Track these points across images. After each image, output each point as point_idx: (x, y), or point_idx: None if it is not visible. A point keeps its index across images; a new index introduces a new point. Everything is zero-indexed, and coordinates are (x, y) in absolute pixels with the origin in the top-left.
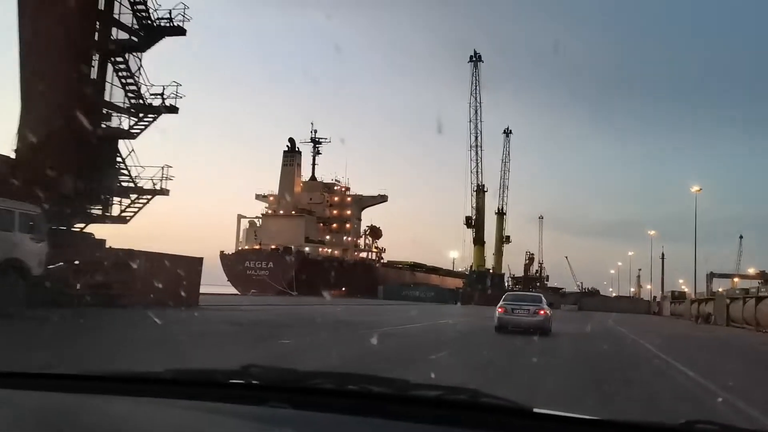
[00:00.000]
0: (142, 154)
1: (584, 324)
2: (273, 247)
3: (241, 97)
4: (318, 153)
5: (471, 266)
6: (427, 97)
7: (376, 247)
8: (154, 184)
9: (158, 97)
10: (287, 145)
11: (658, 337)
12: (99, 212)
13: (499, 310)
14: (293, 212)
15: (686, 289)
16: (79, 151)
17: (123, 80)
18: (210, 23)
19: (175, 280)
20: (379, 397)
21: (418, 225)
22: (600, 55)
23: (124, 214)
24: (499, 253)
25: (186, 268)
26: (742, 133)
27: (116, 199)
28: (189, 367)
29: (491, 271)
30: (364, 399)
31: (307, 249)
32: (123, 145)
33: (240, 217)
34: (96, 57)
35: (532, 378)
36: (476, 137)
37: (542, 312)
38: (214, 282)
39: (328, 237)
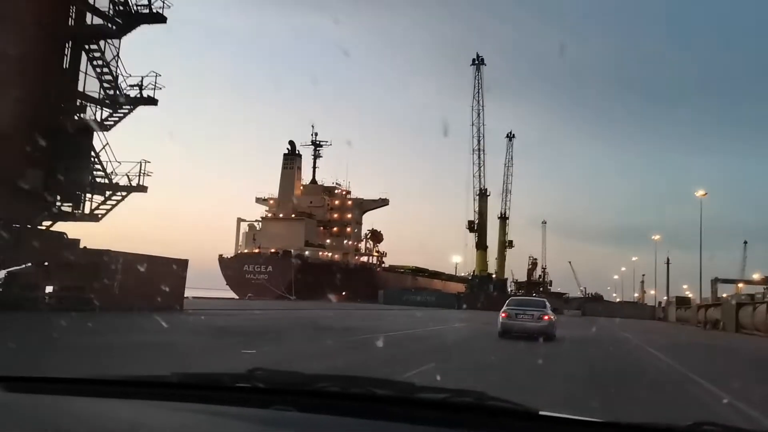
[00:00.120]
0: (143, 156)
1: (589, 329)
2: (272, 250)
3: (242, 99)
4: (319, 156)
5: (473, 271)
6: (429, 100)
7: (377, 251)
8: (129, 180)
9: (136, 87)
10: (287, 148)
11: (668, 343)
12: (69, 209)
13: (503, 315)
14: (293, 216)
15: (690, 295)
16: (48, 143)
17: (98, 69)
18: (210, 24)
19: (156, 283)
20: (383, 400)
21: (420, 229)
22: (604, 60)
23: (96, 212)
24: (501, 258)
25: (169, 271)
26: (746, 138)
27: (88, 196)
28: (195, 371)
29: (494, 275)
30: (368, 402)
31: (307, 253)
32: (97, 138)
33: (240, 220)
34: (69, 44)
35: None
36: (479, 140)
37: (546, 317)
38: (214, 286)
39: (328, 241)
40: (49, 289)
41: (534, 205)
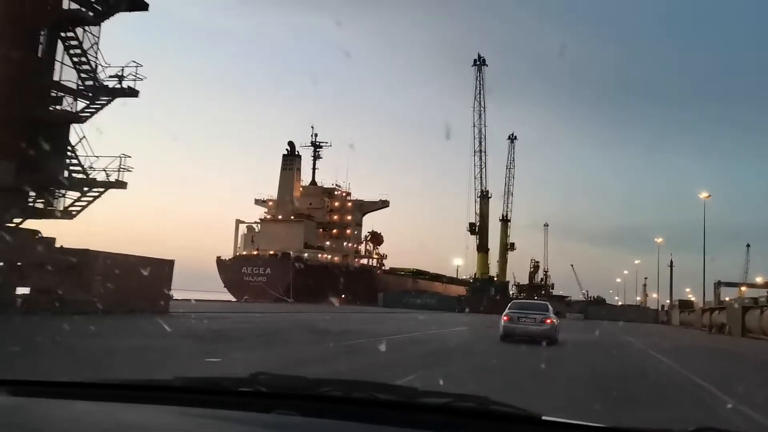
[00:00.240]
0: (144, 156)
1: (592, 333)
2: (271, 253)
3: (242, 100)
4: (318, 157)
5: (475, 274)
6: (430, 101)
7: (377, 254)
8: (107, 176)
9: (116, 78)
10: (287, 149)
11: (678, 349)
12: (42, 206)
13: (504, 318)
14: (292, 217)
15: (693, 298)
16: (20, 135)
17: (75, 58)
18: (209, 24)
19: (140, 285)
20: (386, 405)
21: (421, 231)
22: (606, 62)
23: (71, 209)
24: (503, 261)
25: (154, 272)
26: (748, 141)
27: (63, 192)
28: (198, 375)
29: (495, 278)
30: (371, 406)
31: (306, 255)
32: (74, 131)
33: (238, 222)
34: (44, 31)
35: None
36: (480, 142)
37: (549, 321)
38: (211, 288)
39: (328, 243)
40: (22, 290)
41: (536, 207)
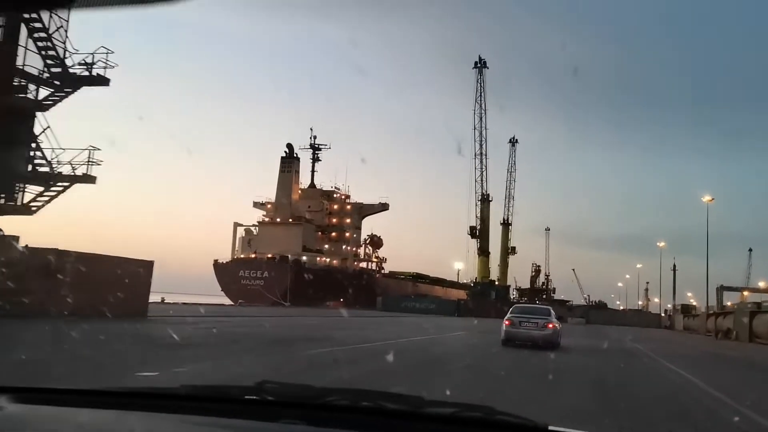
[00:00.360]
0: (144, 163)
1: (594, 339)
2: (269, 256)
3: (240, 103)
4: (318, 159)
5: (476, 278)
6: (431, 104)
7: (377, 257)
8: (74, 169)
9: (83, 66)
10: (285, 151)
11: (690, 358)
12: (2, 201)
13: (506, 322)
14: (291, 220)
15: (694, 302)
16: None
17: (40, 43)
18: (207, 27)
19: (116, 287)
20: (392, 414)
21: (421, 235)
22: (607, 65)
23: (32, 204)
24: (504, 265)
25: (132, 274)
26: (751, 146)
27: (26, 186)
28: (204, 383)
29: (496, 282)
30: (378, 416)
31: (304, 258)
32: (38, 122)
33: (236, 225)
34: (5, 14)
35: None
36: (481, 145)
37: (551, 325)
38: (208, 292)
39: (326, 246)
40: None
41: (537, 211)
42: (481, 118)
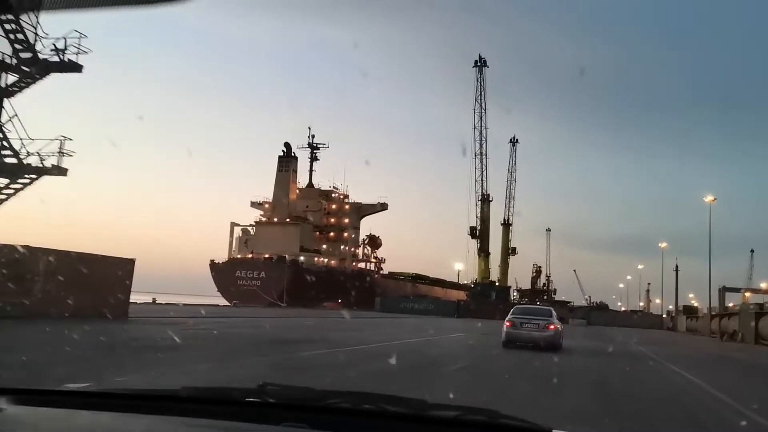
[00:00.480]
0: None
1: (596, 340)
2: (266, 256)
3: (239, 102)
4: (316, 159)
5: (476, 279)
6: (431, 103)
7: (375, 257)
8: (42, 160)
9: (55, 52)
10: (283, 150)
11: (702, 363)
12: None
13: (507, 324)
14: (288, 220)
15: (696, 304)
16: None
17: (6, 26)
18: (205, 28)
19: (92, 286)
20: (395, 417)
21: (421, 235)
22: (609, 69)
23: None
24: (504, 265)
25: (110, 273)
26: (751, 147)
27: None
28: (206, 386)
29: (497, 283)
30: (380, 418)
31: (302, 258)
32: (5, 111)
33: (233, 225)
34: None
35: None
36: (481, 144)
37: (552, 326)
38: (205, 293)
39: (324, 246)
40: None
41: (538, 212)
42: (481, 118)
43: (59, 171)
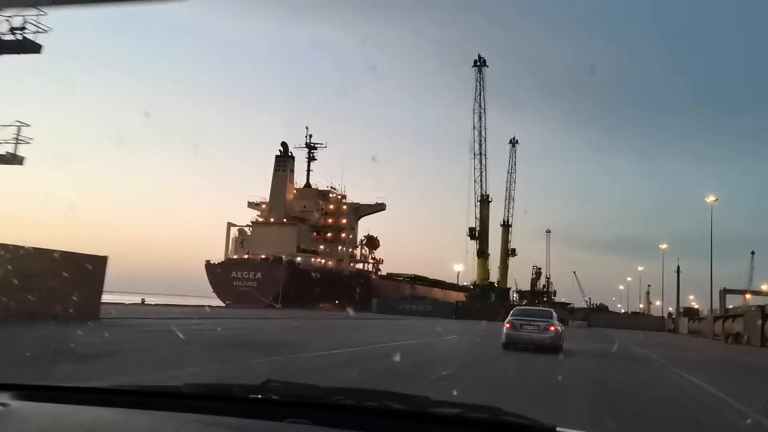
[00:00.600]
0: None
1: (598, 342)
2: (263, 257)
3: (235, 102)
4: (313, 159)
5: (475, 280)
6: (430, 103)
7: (373, 258)
8: None
9: (15, 32)
10: (280, 150)
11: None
12: None
13: (507, 325)
14: (285, 220)
15: (696, 306)
16: None
17: None
18: (203, 26)
19: (58, 285)
20: (399, 414)
21: (420, 236)
22: (609, 68)
23: None
24: (504, 267)
25: (80, 271)
26: (751, 148)
27: None
28: (208, 382)
29: (496, 284)
30: (383, 415)
31: (298, 259)
32: None
33: (230, 225)
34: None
35: None
36: (480, 144)
37: (553, 328)
38: (201, 293)
39: (322, 247)
40: None
41: (537, 213)
42: (480, 117)
43: (15, 159)
